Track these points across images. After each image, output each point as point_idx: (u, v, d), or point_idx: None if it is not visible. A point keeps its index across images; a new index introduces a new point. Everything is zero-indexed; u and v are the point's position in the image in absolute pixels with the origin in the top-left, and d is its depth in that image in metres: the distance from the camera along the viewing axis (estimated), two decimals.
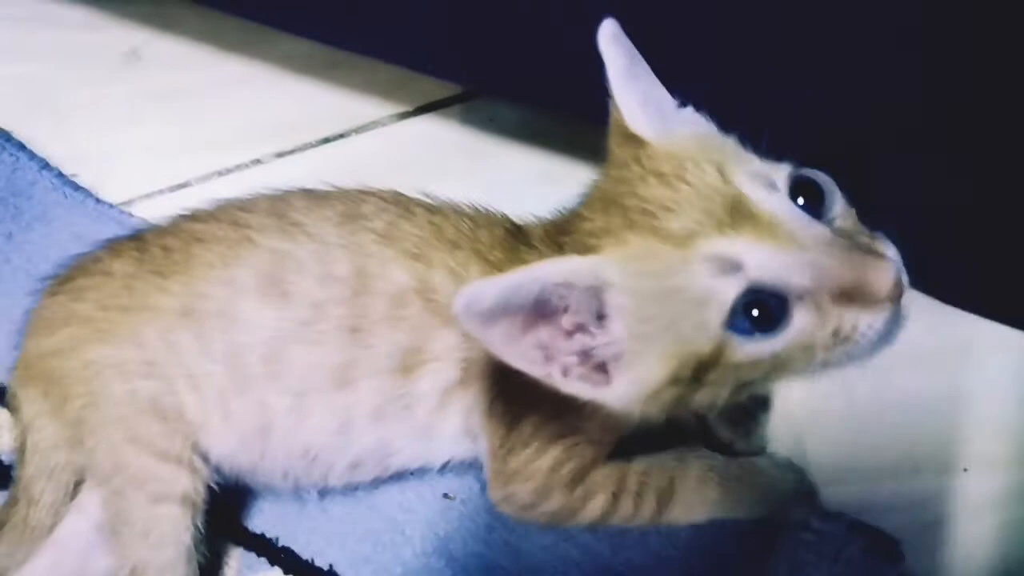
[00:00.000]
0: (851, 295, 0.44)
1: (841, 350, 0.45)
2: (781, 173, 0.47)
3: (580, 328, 0.47)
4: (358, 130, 0.88)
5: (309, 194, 0.62)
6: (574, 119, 0.79)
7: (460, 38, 0.76)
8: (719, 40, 0.62)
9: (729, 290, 0.44)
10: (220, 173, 0.85)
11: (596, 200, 0.50)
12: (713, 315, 0.44)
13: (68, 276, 0.63)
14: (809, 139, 0.47)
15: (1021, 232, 0.62)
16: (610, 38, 0.49)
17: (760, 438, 0.66)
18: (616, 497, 0.59)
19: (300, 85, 0.91)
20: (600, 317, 0.47)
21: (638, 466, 0.61)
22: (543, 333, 0.46)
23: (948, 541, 0.61)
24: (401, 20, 0.76)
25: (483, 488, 0.65)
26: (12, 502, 0.62)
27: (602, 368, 0.47)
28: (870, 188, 0.50)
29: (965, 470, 0.64)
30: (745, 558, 0.59)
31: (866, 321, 0.44)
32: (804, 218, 0.45)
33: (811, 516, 0.53)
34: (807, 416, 0.66)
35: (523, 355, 0.46)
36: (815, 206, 0.46)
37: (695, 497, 0.60)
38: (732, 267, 0.44)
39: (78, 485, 0.62)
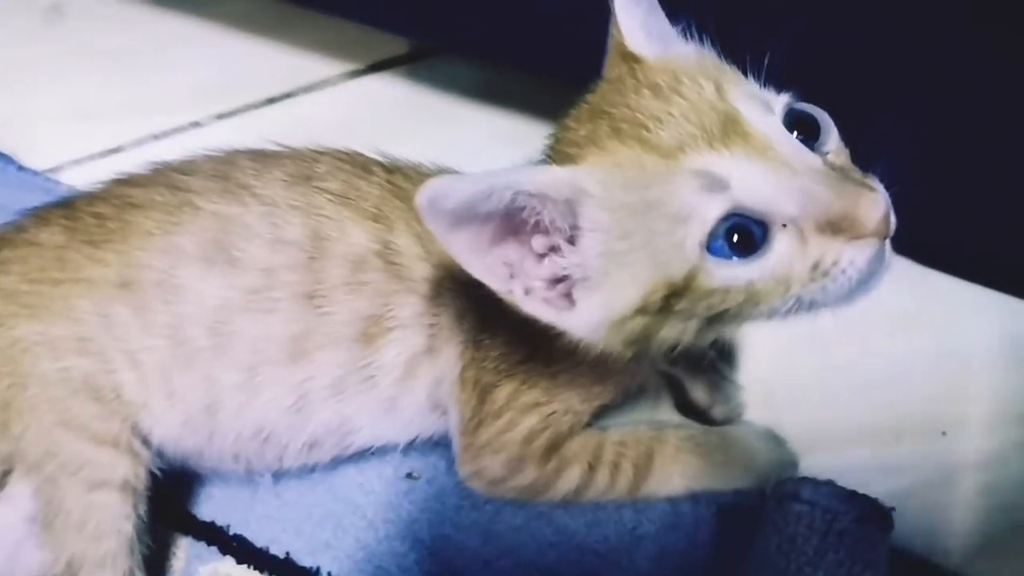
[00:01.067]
0: (836, 226, 0.42)
1: (818, 286, 0.43)
2: (779, 101, 0.45)
3: (551, 251, 0.44)
4: (306, 89, 0.83)
5: (256, 154, 0.58)
6: (533, 78, 0.76)
7: None
8: None
9: (712, 209, 0.41)
10: (155, 137, 0.80)
11: (583, 112, 0.47)
12: (692, 234, 0.42)
13: None
14: (805, 76, 0.45)
15: (1005, 195, 0.60)
16: None
17: (737, 405, 0.64)
18: (592, 468, 0.56)
19: (243, 43, 0.85)
20: (572, 236, 0.44)
21: (614, 435, 0.58)
22: (512, 251, 0.44)
23: (930, 506, 0.60)
24: None
25: (449, 466, 0.62)
26: None
27: (568, 294, 0.45)
28: (859, 137, 0.47)
29: (944, 434, 0.63)
30: (725, 533, 0.57)
31: (848, 256, 0.42)
32: (797, 145, 0.43)
33: (801, 486, 0.51)
34: (783, 382, 0.65)
35: (487, 268, 0.44)
36: (810, 140, 0.44)
37: (673, 468, 0.58)
38: (718, 185, 0.41)
39: (6, 475, 0.57)
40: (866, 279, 0.43)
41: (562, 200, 0.43)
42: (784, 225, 0.42)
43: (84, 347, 0.53)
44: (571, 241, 0.44)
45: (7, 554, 0.56)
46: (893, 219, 0.43)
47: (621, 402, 0.58)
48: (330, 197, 0.54)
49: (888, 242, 0.43)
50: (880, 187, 0.44)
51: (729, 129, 0.42)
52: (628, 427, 0.59)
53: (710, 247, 0.42)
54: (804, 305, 0.44)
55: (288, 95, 0.83)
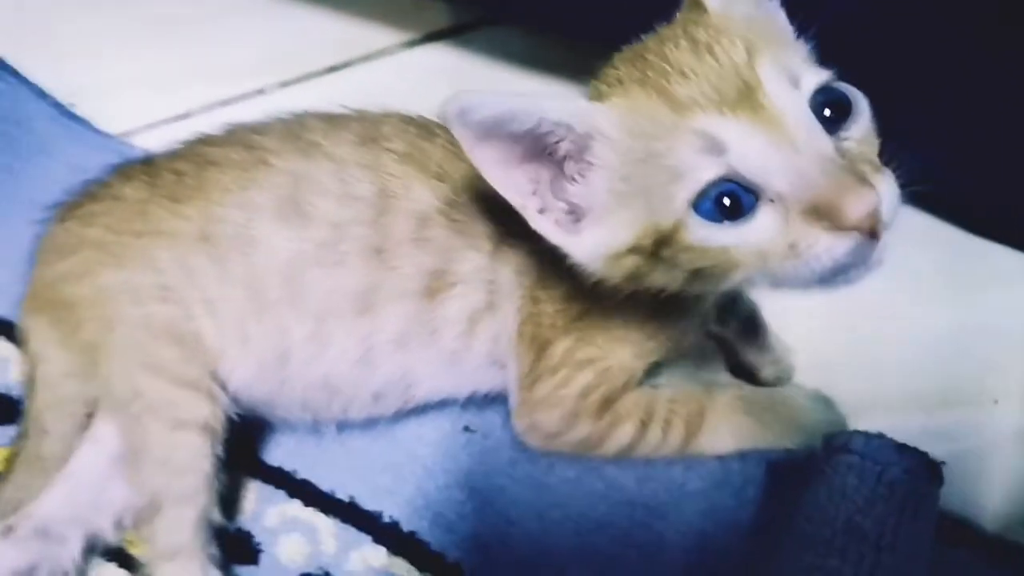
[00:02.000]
0: (821, 213, 0.42)
1: (791, 265, 0.44)
2: (815, 77, 0.45)
3: (565, 180, 0.47)
4: (364, 59, 0.86)
5: (325, 116, 0.60)
6: (584, 47, 0.77)
7: None
8: None
9: (706, 172, 0.43)
10: (222, 103, 0.83)
11: (628, 53, 0.49)
12: (683, 191, 0.43)
13: (77, 202, 0.61)
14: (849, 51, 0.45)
15: None
16: None
17: (787, 367, 0.65)
18: (644, 424, 0.58)
19: (305, 13, 0.88)
20: (583, 168, 0.46)
21: (667, 393, 0.60)
22: (542, 171, 0.46)
23: (978, 473, 0.60)
24: None
25: (504, 422, 0.64)
26: (23, 435, 0.61)
27: (577, 221, 0.47)
28: (906, 106, 0.48)
29: (995, 402, 0.63)
30: (773, 490, 0.58)
31: (825, 243, 0.42)
32: (812, 125, 0.43)
33: (853, 437, 0.52)
34: (834, 347, 0.65)
35: (509, 182, 0.46)
36: (837, 122, 0.44)
37: (724, 426, 0.59)
38: (717, 148, 0.43)
39: (90, 416, 0.61)
40: (843, 270, 0.43)
41: (579, 133, 0.45)
42: (772, 200, 0.43)
43: (166, 295, 0.56)
44: (582, 173, 0.46)
45: (95, 491, 0.60)
46: (885, 218, 0.43)
47: (673, 360, 0.60)
48: (396, 156, 0.57)
49: (880, 241, 0.43)
50: (884, 186, 0.43)
51: (744, 97, 0.43)
52: (680, 386, 0.61)
53: (698, 207, 0.43)
54: (778, 280, 0.45)
55: (347, 64, 0.85)
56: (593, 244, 0.47)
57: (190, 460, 0.56)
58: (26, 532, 0.58)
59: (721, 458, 0.60)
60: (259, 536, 0.62)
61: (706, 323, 0.59)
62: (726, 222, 0.43)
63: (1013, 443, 0.62)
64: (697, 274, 0.46)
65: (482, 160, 0.45)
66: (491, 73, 0.84)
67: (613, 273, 0.48)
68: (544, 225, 0.47)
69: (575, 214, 0.47)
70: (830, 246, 0.42)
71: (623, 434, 0.58)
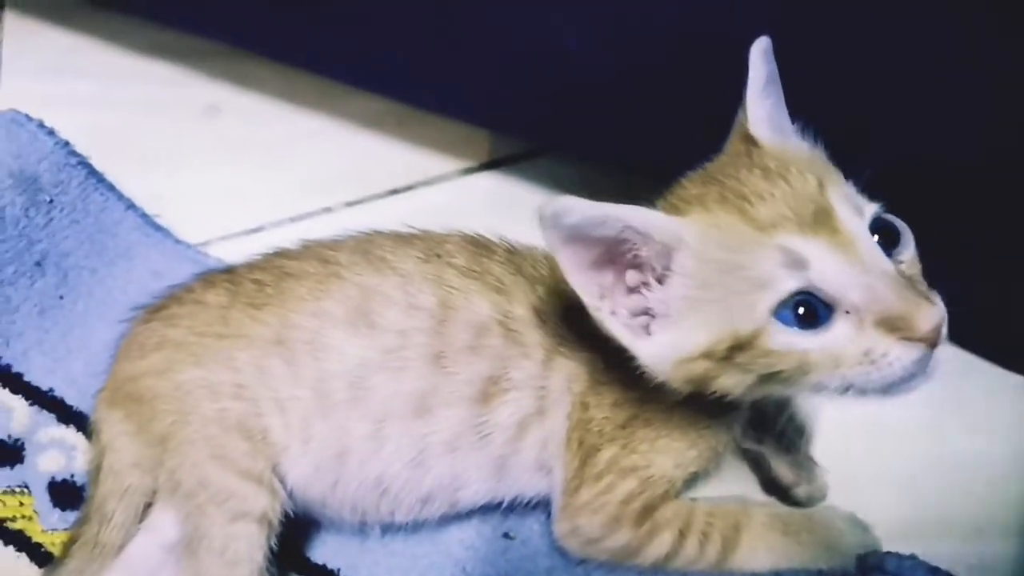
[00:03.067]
0: (893, 324, 0.47)
1: (864, 371, 0.48)
2: (869, 208, 0.51)
3: (641, 286, 0.51)
4: (424, 183, 0.92)
5: (393, 234, 0.66)
6: (631, 178, 0.83)
7: (526, 98, 0.80)
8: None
9: (789, 282, 0.48)
10: (292, 219, 0.89)
11: (699, 176, 0.55)
12: (765, 299, 0.48)
13: (161, 305, 0.66)
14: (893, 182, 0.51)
15: None
16: (760, 53, 0.55)
17: (821, 486, 0.67)
18: (682, 535, 0.60)
19: (371, 140, 0.95)
20: (661, 276, 0.50)
21: (704, 506, 0.62)
22: (608, 277, 0.51)
23: None
24: (469, 79, 0.81)
25: (543, 529, 0.66)
26: (84, 520, 0.64)
27: (646, 325, 0.51)
28: (945, 240, 0.53)
29: None
30: None
31: (897, 352, 0.47)
32: (876, 248, 0.49)
33: (886, 558, 0.53)
34: (866, 469, 0.67)
35: (584, 285, 0.50)
36: (889, 247, 0.50)
37: (760, 543, 0.61)
38: (799, 263, 0.48)
39: (147, 508, 0.64)
40: (908, 378, 0.48)
41: (661, 243, 0.50)
42: (847, 312, 0.48)
43: (240, 392, 0.60)
44: (659, 280, 0.51)
45: None
46: (944, 331, 0.48)
47: (709, 473, 0.62)
48: (457, 271, 0.62)
49: (935, 352, 0.48)
50: (939, 302, 0.49)
51: (821, 220, 0.49)
52: (717, 500, 0.63)
53: (778, 314, 0.48)
54: (848, 386, 0.49)
55: (409, 187, 0.92)
56: (664, 347, 0.51)
57: (246, 551, 0.59)
58: None
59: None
60: None
61: (741, 438, 0.62)
62: (804, 329, 0.48)
63: None
64: (769, 378, 0.50)
65: (565, 261, 0.50)
66: (542, 199, 0.89)
67: (680, 376, 0.52)
68: (616, 327, 0.52)
69: (643, 318, 0.52)
70: (901, 354, 0.47)
71: (661, 543, 0.60)
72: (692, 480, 0.62)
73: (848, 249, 0.48)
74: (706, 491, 0.64)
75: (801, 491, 0.66)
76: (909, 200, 0.51)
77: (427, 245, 0.64)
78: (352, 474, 0.61)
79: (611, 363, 0.59)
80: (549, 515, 0.64)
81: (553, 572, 0.65)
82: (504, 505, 0.65)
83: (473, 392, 0.60)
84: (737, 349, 0.49)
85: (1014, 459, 0.67)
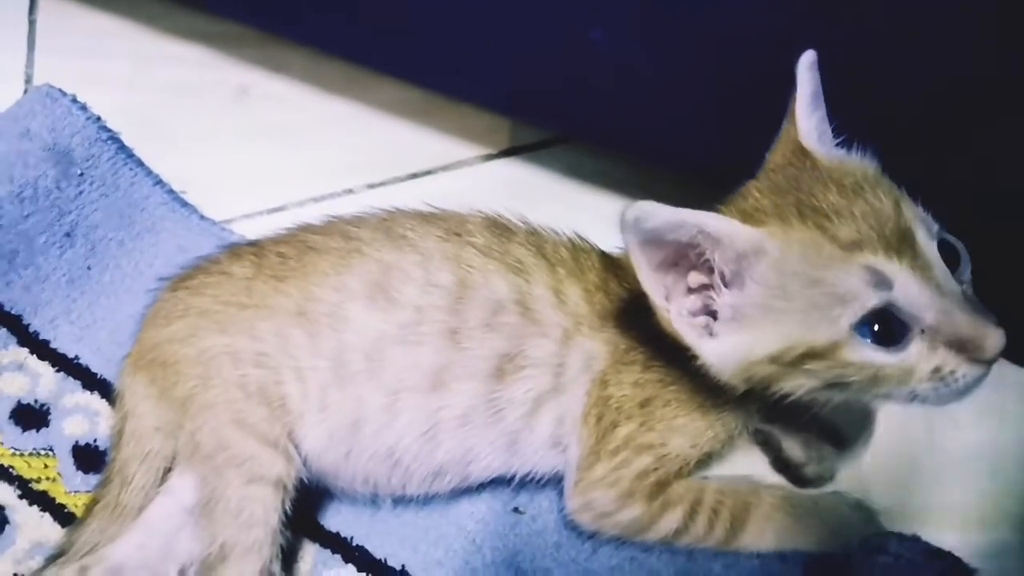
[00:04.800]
0: (962, 346, 0.50)
1: (931, 387, 0.51)
2: (933, 228, 0.53)
3: (702, 288, 0.53)
4: (444, 168, 0.94)
5: (415, 212, 0.67)
6: (649, 169, 0.84)
7: (549, 87, 0.81)
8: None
9: (872, 299, 0.50)
10: (315, 199, 0.91)
11: (767, 187, 0.56)
12: (848, 314, 0.50)
13: (188, 275, 0.68)
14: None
15: None
16: (807, 66, 0.56)
17: (830, 467, 0.67)
18: (693, 512, 0.61)
19: (395, 125, 0.97)
20: (730, 280, 0.52)
21: (715, 484, 0.63)
22: (671, 279, 0.52)
23: None
24: (495, 67, 0.83)
25: (552, 505, 0.67)
26: (106, 482, 0.66)
27: (707, 325, 0.53)
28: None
29: None
30: None
31: (964, 370, 0.50)
32: (947, 271, 0.51)
33: (888, 539, 0.54)
34: (875, 456, 0.68)
35: (653, 285, 0.52)
36: (951, 267, 0.52)
37: (767, 524, 0.62)
38: (884, 283, 0.50)
39: (166, 473, 0.66)
40: (965, 391, 0.51)
41: (735, 250, 0.51)
42: (922, 331, 0.50)
43: (261, 360, 0.62)
44: (727, 284, 0.52)
45: (165, 540, 0.64)
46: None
47: (722, 454, 0.63)
48: (476, 251, 0.63)
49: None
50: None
51: (904, 243, 0.51)
52: (727, 479, 0.64)
53: (858, 329, 0.50)
54: (914, 397, 0.52)
55: (429, 172, 0.94)
56: (731, 348, 0.53)
57: (261, 513, 0.60)
58: (98, 573, 0.62)
59: (761, 556, 0.62)
60: None
61: (754, 420, 0.63)
62: (881, 345, 0.50)
63: None
64: (837, 385, 0.52)
65: (641, 262, 0.51)
66: (560, 187, 0.91)
67: (742, 376, 0.54)
68: (681, 327, 0.53)
69: (703, 318, 0.53)
70: (967, 372, 0.50)
71: (672, 519, 0.61)
72: (706, 459, 0.63)
73: (927, 272, 0.50)
74: (717, 469, 0.65)
75: (810, 470, 0.67)
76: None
77: (448, 224, 0.66)
78: (365, 444, 0.63)
79: (633, 344, 0.61)
80: (559, 492, 0.66)
81: (561, 547, 0.66)
82: (516, 481, 0.66)
83: (488, 368, 0.61)
84: (809, 357, 0.51)
85: (1019, 450, 0.68)
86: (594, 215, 0.87)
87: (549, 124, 0.90)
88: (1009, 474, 0.67)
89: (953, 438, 0.69)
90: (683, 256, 0.52)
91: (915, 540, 0.54)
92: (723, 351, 0.53)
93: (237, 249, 0.69)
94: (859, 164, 0.56)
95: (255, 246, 0.68)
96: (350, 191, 0.92)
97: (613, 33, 0.73)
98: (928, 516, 0.65)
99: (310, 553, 0.68)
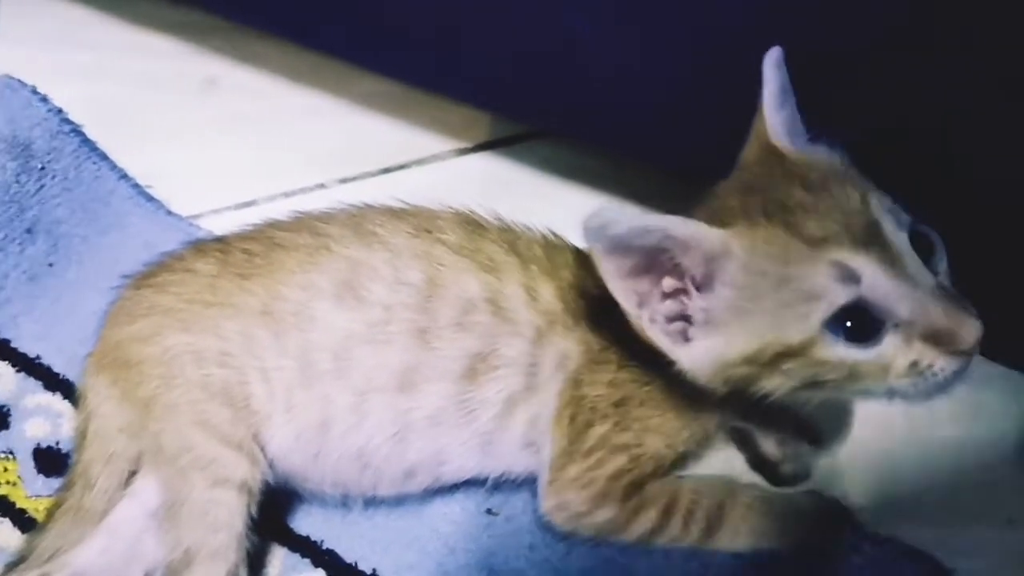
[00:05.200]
0: (938, 339, 0.49)
1: (910, 382, 0.50)
2: (904, 219, 0.52)
3: (677, 292, 0.52)
4: (418, 162, 0.92)
5: (386, 209, 0.66)
6: (627, 163, 0.84)
7: (529, 81, 0.80)
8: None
9: (841, 296, 0.49)
10: (286, 194, 0.89)
11: (735, 187, 0.55)
12: (817, 311, 0.49)
13: (152, 272, 0.66)
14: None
15: None
16: (773, 64, 0.55)
17: (807, 465, 0.67)
18: (668, 513, 0.60)
19: (368, 118, 0.95)
20: (701, 284, 0.51)
21: (690, 484, 0.62)
22: (644, 285, 0.51)
23: None
24: (472, 60, 0.81)
25: (526, 507, 0.66)
26: (68, 486, 0.64)
27: (683, 331, 0.52)
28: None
29: (1010, 522, 0.64)
30: None
31: (941, 363, 0.49)
32: (919, 262, 0.50)
33: (863, 540, 0.54)
34: (849, 455, 0.67)
35: (624, 293, 0.51)
36: (925, 258, 0.51)
37: (743, 524, 0.61)
38: (852, 278, 0.49)
39: (132, 475, 0.64)
40: (946, 386, 0.50)
41: (703, 253, 0.50)
42: (896, 325, 0.49)
43: (225, 360, 0.61)
44: (698, 288, 0.51)
45: (128, 544, 0.62)
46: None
47: (698, 453, 0.63)
48: (447, 248, 0.62)
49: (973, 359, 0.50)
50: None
51: (871, 235, 0.49)
52: (702, 479, 0.63)
53: (829, 326, 0.49)
54: (893, 394, 0.51)
55: (402, 166, 0.92)
56: (706, 352, 0.52)
57: (226, 517, 0.59)
58: None
59: (736, 557, 0.61)
60: None
61: (731, 418, 0.62)
62: (854, 341, 0.49)
63: None
64: (813, 384, 0.51)
65: (607, 270, 0.50)
66: (536, 181, 0.90)
67: (720, 378, 0.53)
68: (655, 334, 0.52)
69: (679, 323, 0.53)
70: (946, 366, 0.49)
71: (646, 520, 0.60)
72: (682, 460, 0.62)
73: (897, 264, 0.49)
74: (693, 468, 0.64)
75: (786, 468, 0.67)
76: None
77: (419, 221, 0.64)
78: (333, 445, 0.61)
79: (608, 343, 0.60)
80: (534, 493, 0.64)
81: (535, 548, 0.65)
82: (489, 482, 0.65)
83: (459, 368, 0.60)
84: (784, 357, 0.50)
85: (995, 446, 0.68)
86: (570, 210, 0.85)
87: (525, 118, 0.88)
88: (986, 470, 0.67)
89: (930, 434, 0.68)
90: (655, 261, 0.51)
91: (890, 540, 0.53)
92: (698, 355, 0.52)
93: (202, 245, 0.67)
94: (826, 159, 0.55)
95: (221, 242, 0.66)
96: (322, 186, 0.90)
97: (591, 24, 0.72)
98: (905, 513, 0.64)
99: (278, 557, 0.66)
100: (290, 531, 0.67)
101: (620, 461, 0.59)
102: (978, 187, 0.62)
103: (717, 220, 0.52)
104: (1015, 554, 0.63)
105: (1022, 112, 0.58)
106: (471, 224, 0.64)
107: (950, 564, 0.56)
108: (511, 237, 0.64)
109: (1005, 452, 0.68)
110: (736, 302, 0.51)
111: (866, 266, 0.49)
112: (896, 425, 0.68)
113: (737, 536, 0.61)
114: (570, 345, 0.61)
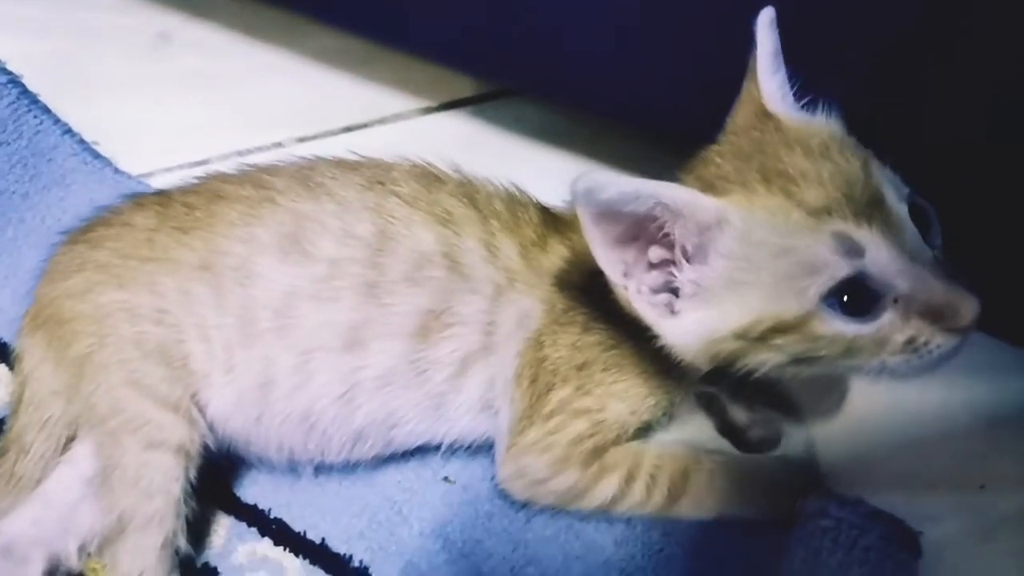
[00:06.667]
0: (936, 315, 0.47)
1: (904, 359, 0.48)
2: (902, 190, 0.49)
3: (664, 263, 0.49)
4: (380, 121, 0.89)
5: (337, 161, 0.63)
6: (596, 122, 0.80)
7: (497, 39, 0.77)
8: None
9: (842, 269, 0.46)
10: (240, 153, 0.85)
11: (729, 151, 0.52)
12: (817, 285, 0.47)
13: (88, 227, 0.63)
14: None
15: None
16: (767, 24, 0.52)
17: (776, 431, 0.65)
18: (630, 479, 0.58)
19: (330, 76, 0.91)
20: (692, 255, 0.48)
21: (654, 449, 0.60)
22: (631, 255, 0.48)
23: (961, 560, 0.59)
24: (438, 15, 0.78)
25: (484, 474, 0.64)
26: (2, 451, 0.61)
27: (668, 303, 0.49)
28: None
29: (981, 488, 0.62)
30: (752, 557, 0.57)
31: (939, 340, 0.47)
32: (918, 235, 0.48)
33: (829, 503, 0.52)
34: (819, 421, 0.65)
35: (610, 262, 0.48)
36: (922, 231, 0.49)
37: (707, 491, 0.59)
38: (855, 251, 0.46)
39: (69, 441, 0.61)
40: (938, 363, 0.48)
41: (696, 222, 0.47)
42: (895, 300, 0.47)
43: (161, 318, 0.57)
44: (688, 259, 0.48)
45: (65, 513, 0.59)
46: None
47: (664, 422, 0.60)
48: (401, 200, 0.59)
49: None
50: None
51: (874, 207, 0.47)
52: (666, 445, 0.61)
53: (827, 300, 0.47)
54: (884, 370, 0.49)
55: (364, 125, 0.89)
56: (693, 327, 0.49)
57: (161, 482, 0.56)
58: None
59: (701, 524, 0.59)
60: (225, 573, 0.61)
61: (698, 384, 0.60)
62: (851, 316, 0.47)
63: (1000, 532, 0.61)
64: (805, 359, 0.49)
65: (595, 237, 0.47)
66: (504, 142, 0.87)
67: (706, 354, 0.50)
68: (640, 305, 0.50)
69: (665, 295, 0.50)
70: (943, 343, 0.47)
71: (608, 486, 0.58)
72: (646, 427, 0.59)
73: (899, 237, 0.47)
74: (658, 433, 0.62)
75: (755, 434, 0.65)
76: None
77: (372, 173, 0.61)
78: (277, 407, 0.59)
79: (573, 303, 0.57)
80: (492, 460, 0.62)
81: (493, 517, 0.62)
82: (444, 448, 0.62)
83: (411, 325, 0.57)
84: (777, 331, 0.48)
85: (967, 414, 0.66)
86: (540, 171, 0.83)
87: (493, 75, 0.85)
88: (955, 437, 0.65)
89: (903, 400, 0.66)
90: (643, 229, 0.48)
91: (857, 503, 0.51)
92: (686, 329, 0.50)
93: (142, 199, 0.64)
94: (824, 125, 0.52)
95: (161, 196, 0.63)
96: (279, 144, 0.87)
97: None
98: (875, 479, 0.63)
99: (224, 526, 0.63)
100: (236, 499, 0.64)
101: (581, 426, 0.57)
102: (969, 151, 0.60)
103: (711, 188, 0.50)
104: (984, 518, 0.62)
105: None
106: (428, 177, 0.61)
107: (917, 528, 0.54)
108: (470, 191, 0.61)
109: (979, 419, 0.66)
110: (731, 273, 0.48)
111: (869, 239, 0.47)
112: (867, 392, 0.66)
113: (702, 503, 0.59)
114: (532, 304, 0.58)
